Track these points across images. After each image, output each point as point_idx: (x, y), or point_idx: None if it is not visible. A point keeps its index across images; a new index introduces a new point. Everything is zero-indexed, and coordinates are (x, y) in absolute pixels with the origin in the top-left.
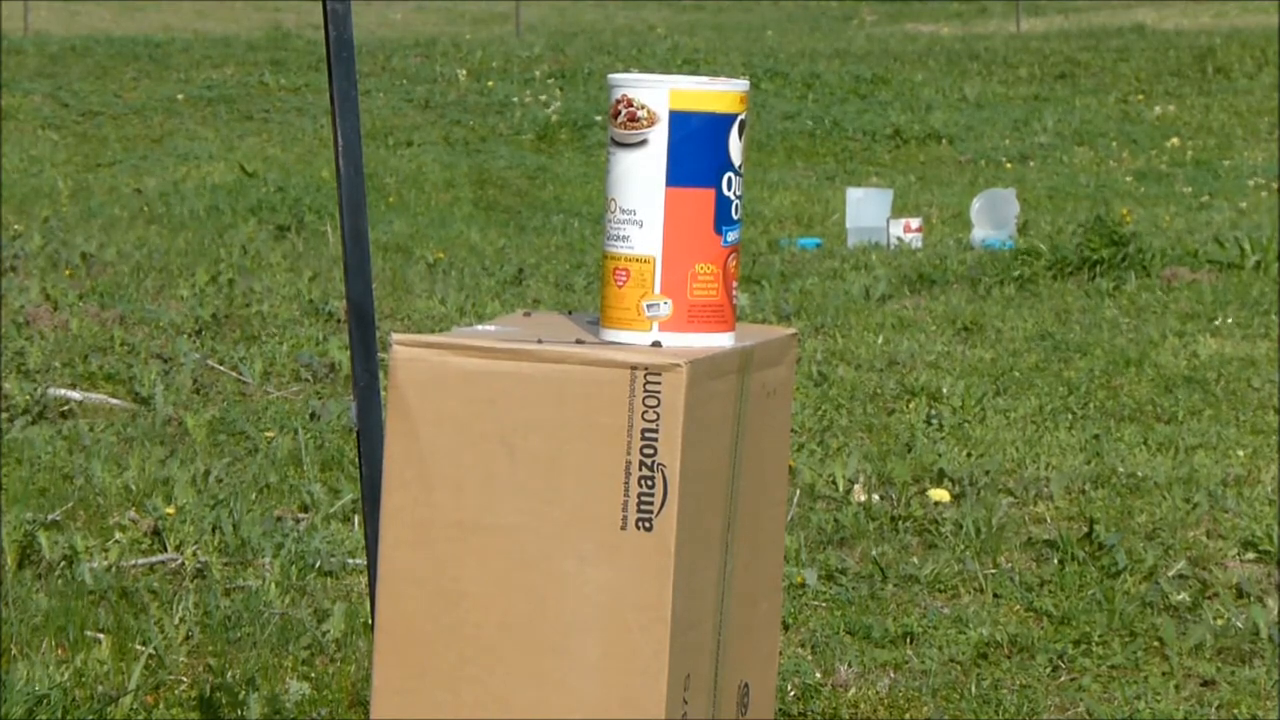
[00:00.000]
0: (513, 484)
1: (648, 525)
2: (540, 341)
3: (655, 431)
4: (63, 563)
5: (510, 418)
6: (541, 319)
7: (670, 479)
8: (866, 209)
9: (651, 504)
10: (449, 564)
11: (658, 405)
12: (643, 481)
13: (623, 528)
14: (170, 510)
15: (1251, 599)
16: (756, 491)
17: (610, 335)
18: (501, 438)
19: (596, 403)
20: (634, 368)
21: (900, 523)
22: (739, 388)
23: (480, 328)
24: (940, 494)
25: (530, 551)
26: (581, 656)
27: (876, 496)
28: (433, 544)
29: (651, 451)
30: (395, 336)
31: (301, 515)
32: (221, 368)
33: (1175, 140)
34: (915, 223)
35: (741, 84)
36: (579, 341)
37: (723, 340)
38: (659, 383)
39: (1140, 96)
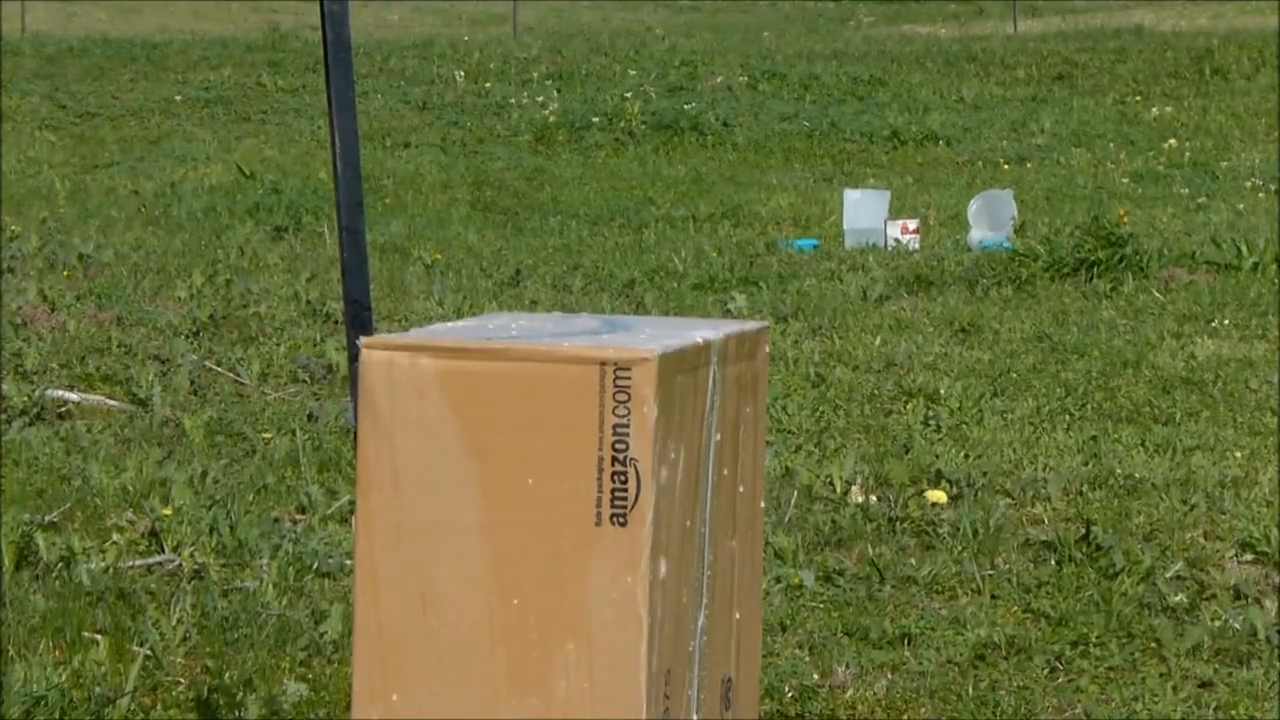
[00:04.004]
0: (485, 483)
1: (622, 521)
2: (511, 338)
3: (626, 426)
4: (60, 564)
5: (482, 417)
6: (516, 317)
7: (643, 474)
8: (864, 210)
9: (625, 499)
10: (425, 565)
11: (628, 400)
12: (615, 477)
13: (597, 524)
14: (168, 511)
15: (1249, 600)
16: (733, 485)
17: None
18: (473, 437)
19: (567, 400)
20: (603, 363)
21: (898, 524)
22: (711, 380)
23: (449, 325)
24: (938, 495)
25: (504, 551)
26: (559, 655)
27: (874, 498)
28: (408, 546)
29: (623, 446)
30: (363, 340)
31: (299, 516)
32: (219, 369)
33: (1173, 141)
34: (912, 224)
35: None
36: (550, 339)
37: (693, 334)
38: (629, 377)
39: (1138, 98)
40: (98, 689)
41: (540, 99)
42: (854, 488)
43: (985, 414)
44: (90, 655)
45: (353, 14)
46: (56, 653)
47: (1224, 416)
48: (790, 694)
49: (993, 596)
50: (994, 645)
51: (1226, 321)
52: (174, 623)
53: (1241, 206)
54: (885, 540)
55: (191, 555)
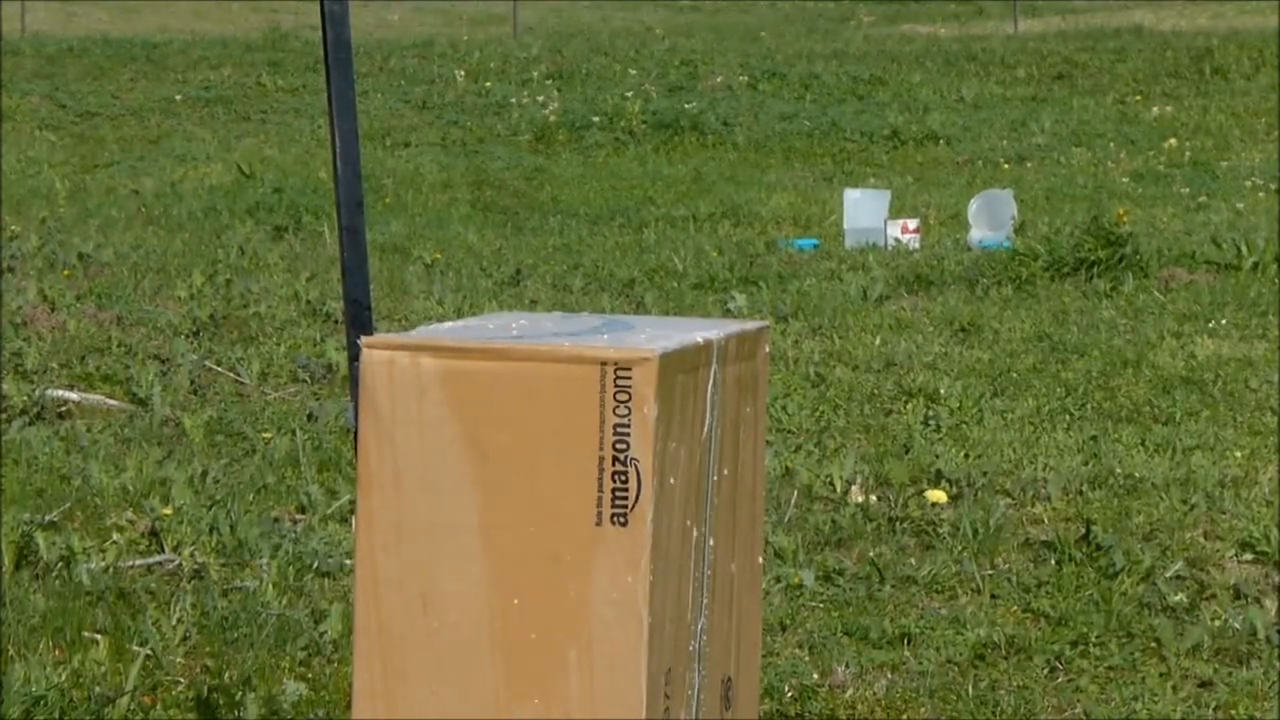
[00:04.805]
0: (486, 483)
1: (622, 521)
2: (512, 338)
3: (627, 426)
4: (60, 563)
5: (482, 417)
6: (517, 316)
7: (643, 474)
8: (864, 210)
9: (625, 499)
10: (425, 565)
11: (628, 400)
12: (616, 477)
13: (597, 524)
14: (168, 511)
15: (1249, 600)
16: (733, 485)
17: None
18: (474, 437)
19: (567, 400)
20: (604, 363)
21: (898, 524)
22: (711, 380)
23: (450, 325)
24: (938, 495)
25: (505, 551)
26: (559, 655)
27: (874, 497)
28: (408, 546)
29: (624, 446)
30: (364, 340)
31: (299, 516)
32: (219, 369)
33: (1173, 141)
34: (913, 224)
35: None
36: (551, 338)
37: (694, 334)
38: (629, 377)
39: (1138, 97)
40: (98, 689)
41: (540, 99)
42: (854, 487)
43: (985, 414)
44: (90, 655)
45: (353, 14)
46: (56, 652)
47: (1224, 416)
48: (790, 694)
49: (993, 596)
50: (994, 645)
51: (1226, 321)
52: (174, 622)
53: (1241, 206)
54: (885, 540)
55: (191, 555)
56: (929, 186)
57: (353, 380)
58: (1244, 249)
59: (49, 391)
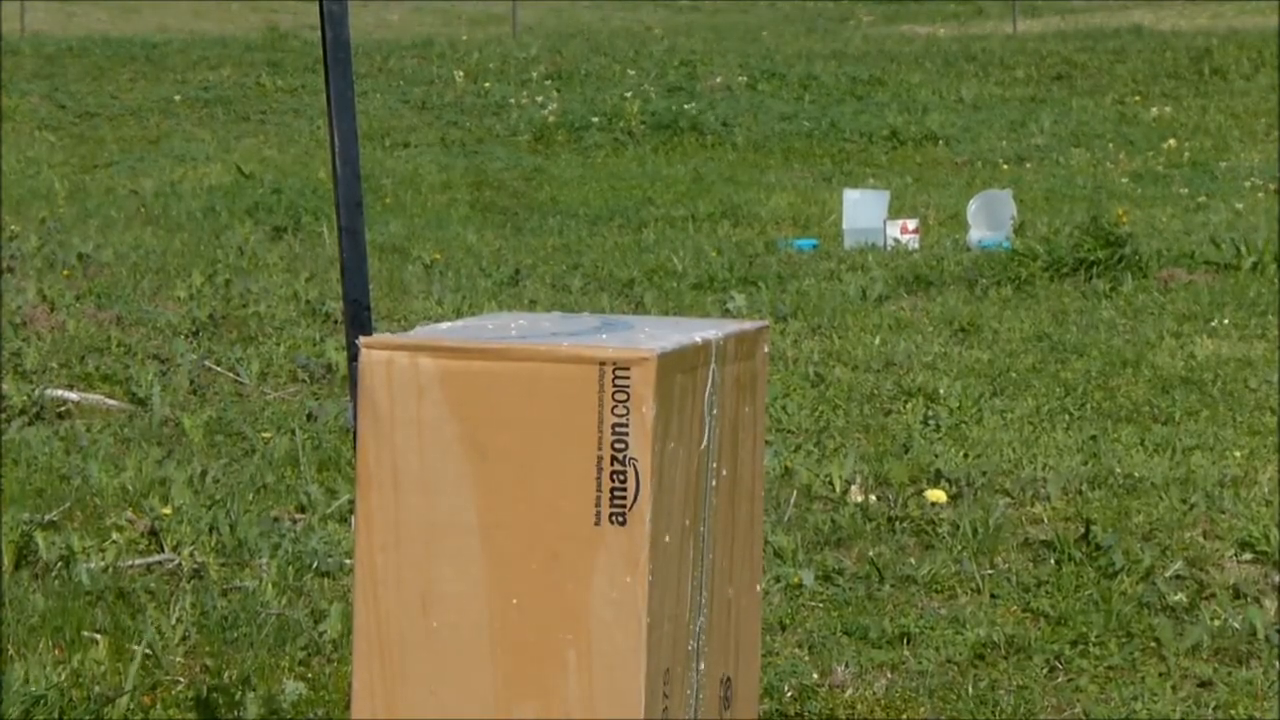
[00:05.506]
0: (485, 483)
1: (621, 520)
2: (510, 338)
3: (625, 426)
4: (60, 563)
5: (481, 417)
6: (516, 316)
7: (642, 473)
8: (863, 210)
9: (624, 499)
10: (424, 565)
11: (627, 400)
12: (614, 476)
13: (596, 523)
14: (167, 511)
15: (1248, 600)
16: (732, 485)
17: None
18: (473, 437)
19: (566, 399)
20: (602, 363)
21: (897, 523)
22: (709, 380)
23: (449, 325)
24: (937, 495)
25: (504, 550)
26: (558, 655)
27: (874, 497)
28: (407, 545)
29: (622, 446)
30: (363, 340)
31: (298, 516)
32: (218, 369)
33: (1172, 141)
34: (912, 224)
35: None
36: (549, 338)
37: (693, 334)
38: (628, 377)
39: (1137, 98)
40: (97, 688)
41: (540, 99)
42: (853, 487)
43: (985, 413)
44: (90, 654)
45: (352, 14)
46: (56, 652)
47: (1223, 416)
48: (789, 693)
49: (992, 596)
50: (993, 645)
51: (1226, 321)
52: (173, 622)
53: (1241, 206)
54: (885, 540)
55: (191, 554)
56: (928, 187)
57: (352, 380)
58: (1243, 249)
59: (48, 391)
